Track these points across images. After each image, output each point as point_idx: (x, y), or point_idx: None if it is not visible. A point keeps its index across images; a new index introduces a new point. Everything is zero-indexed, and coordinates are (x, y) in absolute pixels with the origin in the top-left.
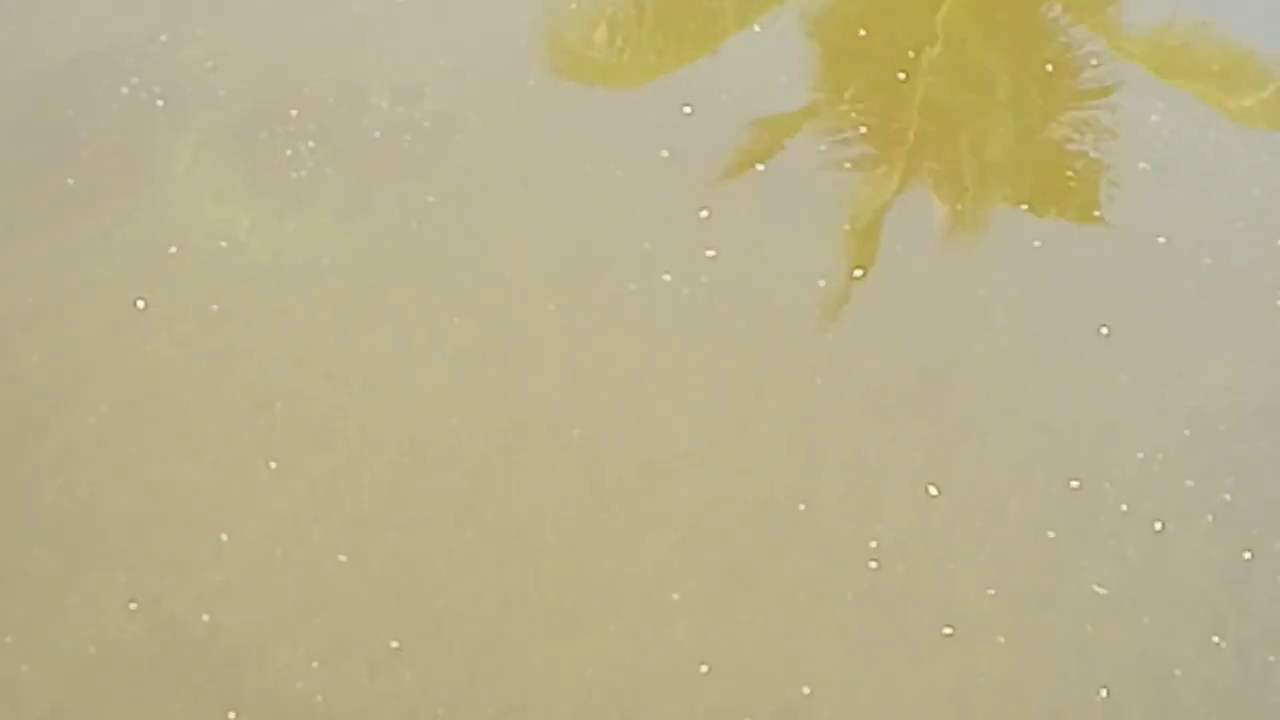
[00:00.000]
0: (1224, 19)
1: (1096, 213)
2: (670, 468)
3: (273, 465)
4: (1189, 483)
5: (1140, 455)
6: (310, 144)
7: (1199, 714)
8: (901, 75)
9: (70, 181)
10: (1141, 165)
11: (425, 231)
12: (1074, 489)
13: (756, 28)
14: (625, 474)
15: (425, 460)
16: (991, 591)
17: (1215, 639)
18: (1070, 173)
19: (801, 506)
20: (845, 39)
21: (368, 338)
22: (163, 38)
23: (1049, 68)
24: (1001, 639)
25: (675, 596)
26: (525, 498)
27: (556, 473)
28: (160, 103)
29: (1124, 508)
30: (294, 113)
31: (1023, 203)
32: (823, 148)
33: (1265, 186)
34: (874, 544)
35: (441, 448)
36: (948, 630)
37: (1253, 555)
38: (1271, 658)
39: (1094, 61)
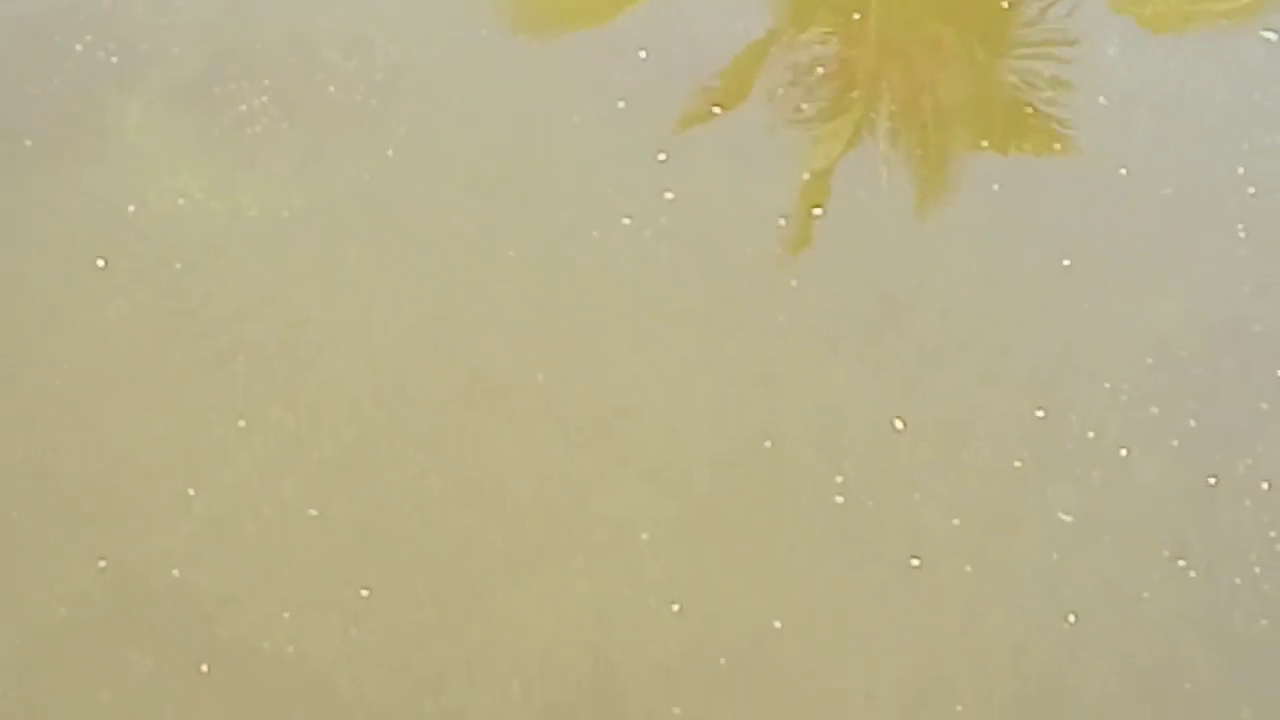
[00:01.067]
0: None
1: (1057, 146)
2: (634, 409)
3: (238, 419)
4: (1153, 409)
5: (1106, 384)
6: (264, 99)
7: (1166, 638)
8: (856, 15)
9: (28, 143)
10: (1101, 100)
11: (383, 184)
12: (1039, 418)
13: None
14: (590, 417)
15: (390, 411)
16: (957, 521)
17: (1181, 563)
18: (1029, 109)
19: (767, 443)
20: None
21: (329, 291)
22: None
23: (1004, 3)
24: (969, 568)
25: (644, 537)
26: (491, 444)
27: (521, 419)
28: (114, 60)
29: (1090, 435)
30: (247, 69)
31: (982, 139)
32: (780, 90)
33: (1224, 116)
34: (840, 479)
35: (406, 398)
36: (915, 561)
37: (1217, 480)
38: (1238, 580)
39: None
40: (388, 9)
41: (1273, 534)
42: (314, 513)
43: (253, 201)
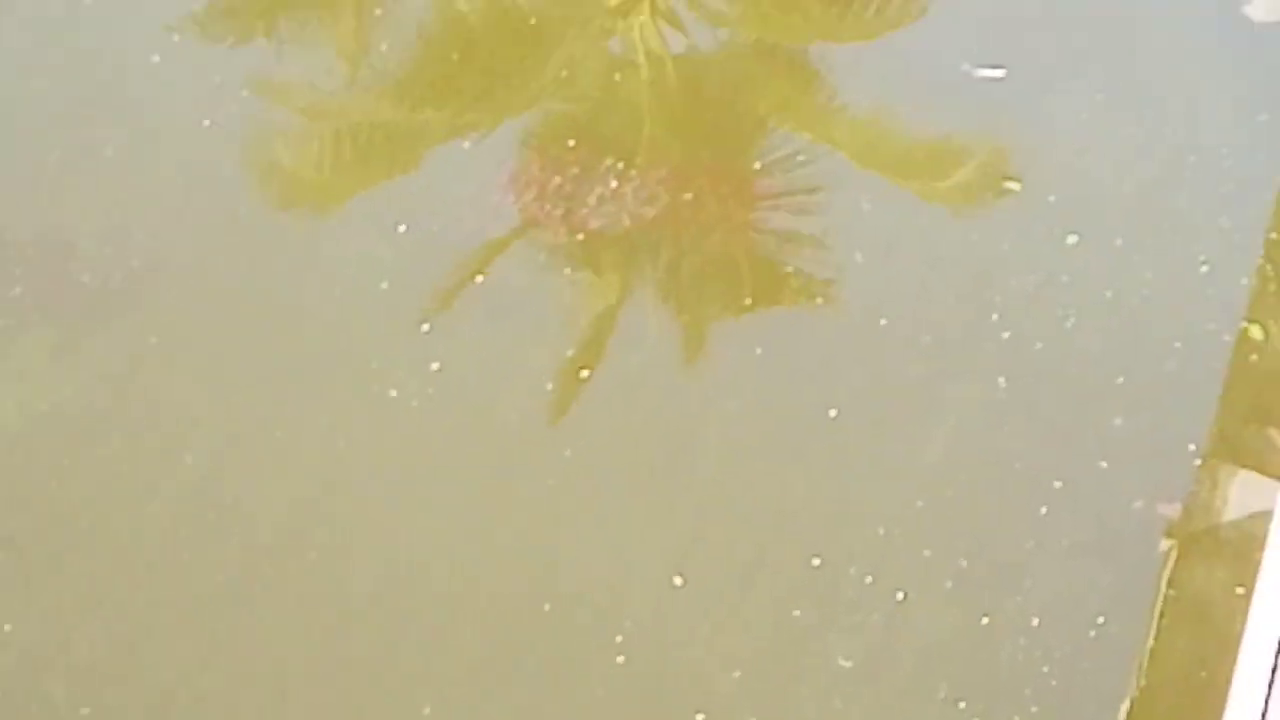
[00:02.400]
0: (920, 105)
1: (819, 301)
2: (410, 580)
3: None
4: (926, 552)
5: (880, 529)
6: (17, 290)
7: None
8: (614, 183)
9: None
10: (858, 256)
11: (145, 370)
12: (816, 567)
13: (466, 144)
14: (367, 592)
15: (159, 600)
16: (739, 674)
17: (961, 705)
18: (790, 268)
19: (547, 606)
20: (556, 150)
21: (91, 482)
22: None
23: (757, 165)
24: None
25: (426, 710)
26: (268, 624)
27: (299, 594)
28: None
29: (868, 580)
30: None
31: (745, 298)
32: (542, 256)
33: (975, 263)
34: (620, 638)
35: (178, 581)
36: (700, 716)
37: (990, 619)
38: (1016, 718)
39: (801, 158)
40: (140, 195)
41: (1045, 669)
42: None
43: (7, 396)
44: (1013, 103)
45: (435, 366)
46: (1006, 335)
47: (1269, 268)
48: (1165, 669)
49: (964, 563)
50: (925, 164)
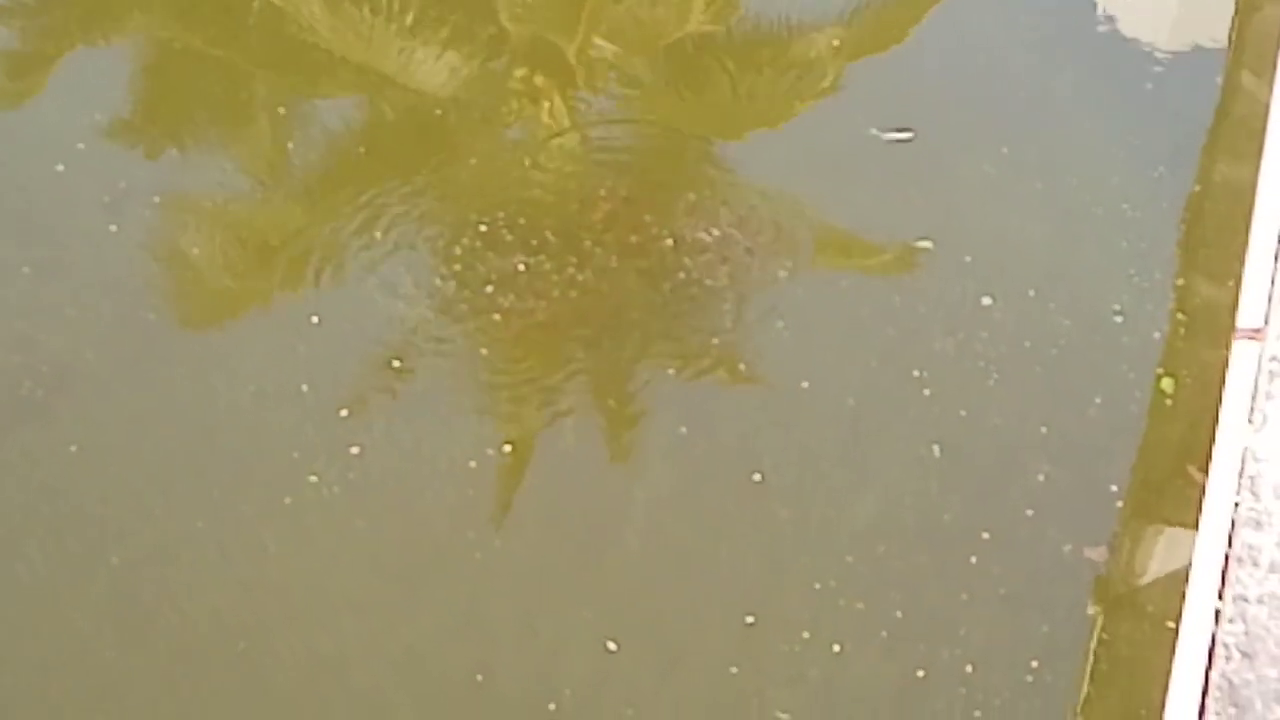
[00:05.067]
0: (828, 170)
1: (741, 368)
2: (342, 661)
3: None
4: (860, 605)
5: (815, 585)
6: None
7: None
8: (523, 267)
9: None
10: (779, 323)
11: (64, 476)
12: (750, 624)
13: (377, 234)
14: (297, 676)
15: (88, 704)
16: None
17: None
18: (713, 339)
19: (479, 677)
20: (467, 235)
21: (12, 591)
22: None
23: (670, 241)
24: None
25: None
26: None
27: (226, 687)
28: None
29: (804, 635)
30: None
31: (667, 367)
32: (459, 340)
33: (897, 326)
34: (553, 706)
35: (108, 684)
36: None
37: (926, 673)
38: None
39: (715, 231)
40: (48, 301)
41: (979, 714)
42: None
43: None
44: (920, 164)
45: (355, 450)
46: (927, 392)
47: (1180, 315)
48: (1101, 710)
49: (899, 613)
50: (837, 230)
